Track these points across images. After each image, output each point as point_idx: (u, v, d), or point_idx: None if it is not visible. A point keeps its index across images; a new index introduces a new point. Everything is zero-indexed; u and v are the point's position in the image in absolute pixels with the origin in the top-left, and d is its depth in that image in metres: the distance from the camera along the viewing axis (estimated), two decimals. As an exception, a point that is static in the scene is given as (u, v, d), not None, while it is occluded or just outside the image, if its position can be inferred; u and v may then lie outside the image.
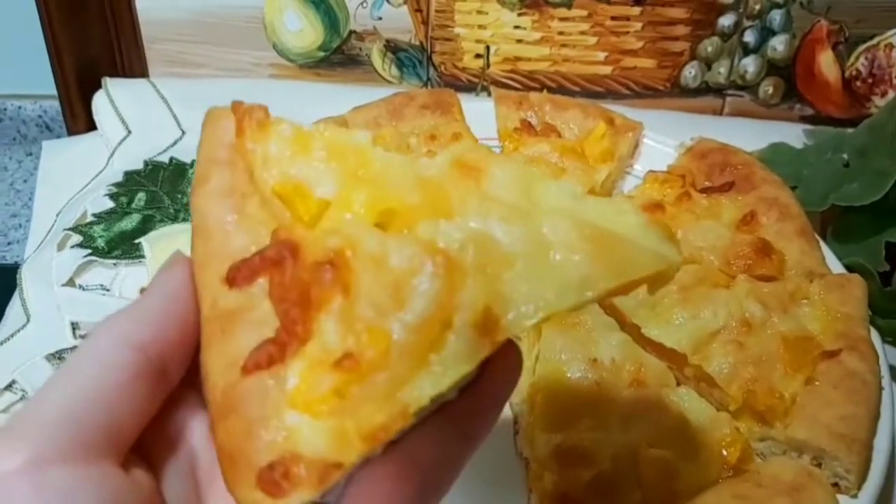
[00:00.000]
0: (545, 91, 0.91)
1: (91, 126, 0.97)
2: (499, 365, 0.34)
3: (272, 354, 0.28)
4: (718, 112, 1.00)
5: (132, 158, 0.89)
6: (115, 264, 0.77)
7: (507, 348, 0.34)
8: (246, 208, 0.32)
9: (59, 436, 0.27)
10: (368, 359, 0.27)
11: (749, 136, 0.90)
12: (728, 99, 0.99)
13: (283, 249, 0.29)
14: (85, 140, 0.96)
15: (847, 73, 0.96)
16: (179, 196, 0.83)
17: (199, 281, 0.31)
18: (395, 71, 1.00)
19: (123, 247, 0.78)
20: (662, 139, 0.87)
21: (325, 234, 0.30)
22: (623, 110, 0.89)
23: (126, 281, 0.76)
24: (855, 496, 0.57)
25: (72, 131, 1.01)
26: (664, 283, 0.33)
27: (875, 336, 0.66)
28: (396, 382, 0.28)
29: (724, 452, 0.56)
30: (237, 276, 0.30)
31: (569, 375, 0.60)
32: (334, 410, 0.27)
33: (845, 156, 0.81)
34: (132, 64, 1.01)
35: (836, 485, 0.57)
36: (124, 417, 0.29)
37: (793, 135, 0.93)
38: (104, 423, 0.28)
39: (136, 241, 0.78)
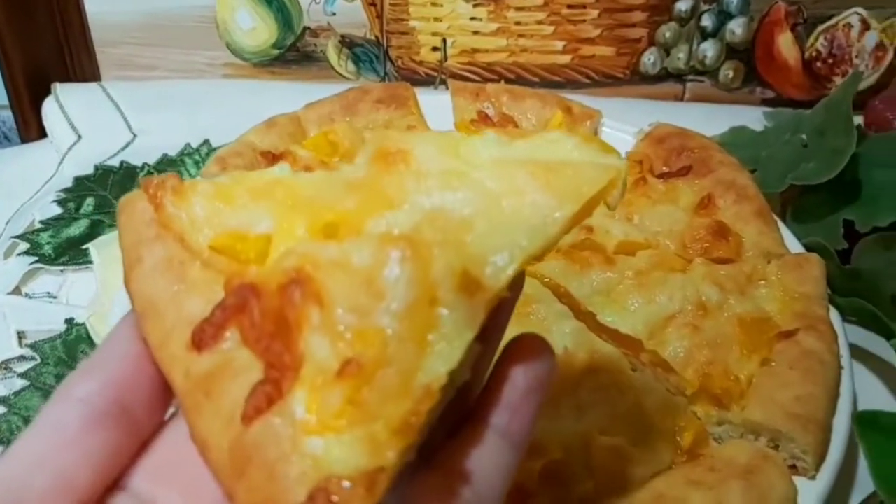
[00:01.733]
0: (503, 82, 0.90)
1: (44, 133, 0.96)
2: (512, 350, 0.34)
3: (269, 393, 0.27)
4: (679, 98, 0.99)
5: (82, 164, 0.87)
6: (62, 271, 0.75)
7: (526, 340, 0.34)
8: (189, 275, 0.31)
9: None
10: (370, 358, 0.27)
11: (710, 120, 0.89)
12: (689, 84, 0.98)
13: (242, 293, 0.29)
14: (36, 148, 0.94)
15: (807, 55, 0.95)
16: (129, 199, 0.81)
17: (163, 361, 0.30)
18: (351, 67, 0.99)
19: (71, 253, 0.76)
20: (621, 126, 0.86)
21: (278, 261, 0.29)
22: (583, 99, 0.88)
23: (73, 288, 0.74)
24: (813, 477, 0.55)
25: (25, 139, 0.99)
26: (622, 193, 0.33)
27: (835, 315, 0.65)
28: (407, 372, 0.27)
29: (679, 438, 0.55)
30: (203, 336, 0.29)
31: (520, 365, 0.59)
32: (355, 420, 0.26)
33: (804, 136, 0.80)
34: (83, 69, 0.99)
35: (793, 466, 0.56)
36: (76, 471, 0.29)
37: (754, 118, 0.92)
38: (46, 485, 0.28)
39: (84, 246, 0.76)
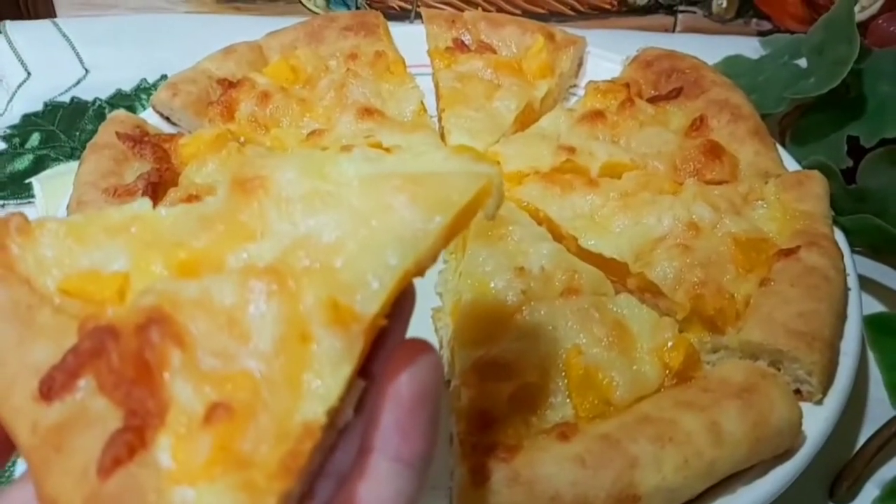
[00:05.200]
0: (480, 10, 0.84)
1: (-4, 75, 0.90)
2: (389, 364, 0.29)
3: (130, 443, 0.25)
4: (670, 31, 0.93)
5: (32, 101, 0.82)
6: (2, 206, 0.70)
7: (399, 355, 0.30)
8: (37, 321, 0.28)
9: None
10: (241, 402, 0.25)
11: (703, 51, 0.82)
12: (680, 16, 0.92)
13: (98, 336, 0.27)
14: (-14, 89, 0.88)
15: (806, -18, 0.90)
16: (77, 133, 0.76)
17: (5, 414, 0.27)
18: (320, 1, 0.93)
19: (12, 187, 0.71)
20: (607, 54, 0.80)
21: (136, 300, 0.27)
22: (568, 30, 0.82)
23: (14, 223, 0.68)
24: (820, 402, 0.50)
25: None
26: (498, 202, 0.32)
27: (840, 237, 0.59)
28: (283, 414, 0.25)
29: (667, 359, 0.49)
30: (52, 384, 0.26)
31: (492, 286, 0.53)
32: (229, 466, 0.24)
33: (803, 61, 0.74)
34: (37, 8, 0.93)
35: (798, 392, 0.50)
36: None
37: (749, 48, 0.86)
38: None
39: (27, 181, 0.71)
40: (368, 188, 0.30)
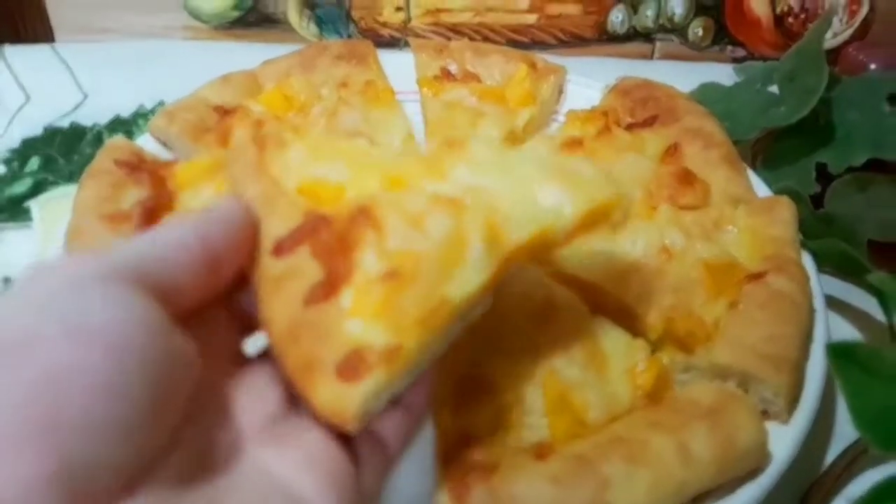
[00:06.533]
0: (466, 39, 0.87)
1: (-6, 99, 0.92)
2: None
3: (326, 289, 0.35)
4: (648, 58, 0.96)
5: (31, 125, 0.84)
6: (0, 229, 0.72)
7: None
8: (277, 207, 0.38)
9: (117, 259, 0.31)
10: (407, 270, 0.35)
11: (680, 78, 0.85)
12: (658, 44, 0.95)
13: (315, 221, 0.37)
14: (-15, 113, 0.90)
15: (778, 10, 0.92)
16: (76, 157, 0.78)
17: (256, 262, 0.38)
18: (313, 28, 0.96)
19: (11, 210, 0.73)
20: (587, 81, 0.83)
21: (350, 200, 0.38)
22: (550, 59, 0.85)
23: (10, 247, 0.70)
24: (786, 422, 0.52)
25: (-25, 107, 0.95)
26: (625, 214, 0.43)
27: (808, 260, 0.62)
28: (432, 286, 0.35)
29: (640, 381, 0.52)
30: (283, 246, 0.37)
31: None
32: (389, 311, 0.34)
33: (775, 87, 0.77)
34: (36, 33, 0.96)
35: (765, 413, 0.53)
36: (179, 279, 0.33)
37: (724, 75, 0.89)
38: (157, 270, 0.32)
39: (25, 204, 0.73)
40: (532, 166, 0.40)
